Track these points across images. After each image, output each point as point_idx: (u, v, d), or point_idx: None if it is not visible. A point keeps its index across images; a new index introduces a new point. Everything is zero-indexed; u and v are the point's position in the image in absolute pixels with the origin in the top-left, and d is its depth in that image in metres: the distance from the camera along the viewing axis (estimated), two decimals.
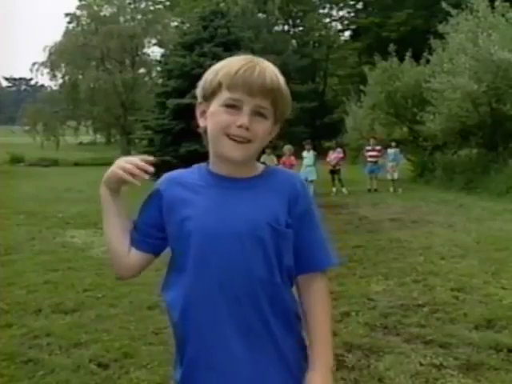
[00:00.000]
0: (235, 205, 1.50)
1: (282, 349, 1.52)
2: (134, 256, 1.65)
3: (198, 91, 1.57)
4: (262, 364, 1.50)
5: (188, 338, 1.52)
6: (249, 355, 1.48)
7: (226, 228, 1.48)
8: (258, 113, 1.48)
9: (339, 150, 17.38)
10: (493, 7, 15.67)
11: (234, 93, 1.46)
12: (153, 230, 1.63)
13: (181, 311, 1.53)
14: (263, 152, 16.30)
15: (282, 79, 1.55)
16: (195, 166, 1.68)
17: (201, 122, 1.57)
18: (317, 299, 1.58)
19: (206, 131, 1.55)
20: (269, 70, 1.50)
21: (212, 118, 1.50)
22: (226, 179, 1.55)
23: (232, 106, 1.47)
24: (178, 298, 1.53)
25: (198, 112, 1.58)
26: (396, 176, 16.54)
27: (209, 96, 1.52)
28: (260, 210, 1.50)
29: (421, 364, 3.79)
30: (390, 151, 16.94)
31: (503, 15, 15.44)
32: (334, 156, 16.80)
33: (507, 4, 15.54)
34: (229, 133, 1.47)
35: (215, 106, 1.50)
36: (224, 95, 1.48)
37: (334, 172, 16.57)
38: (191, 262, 1.49)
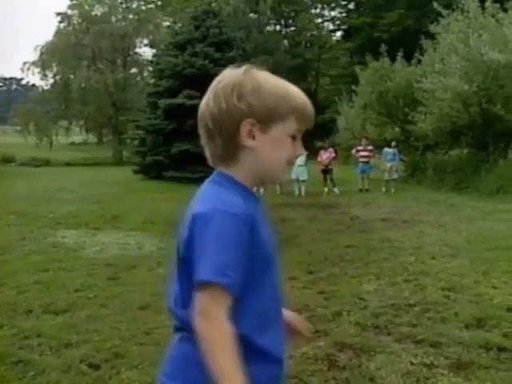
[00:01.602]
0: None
1: None
2: None
3: (249, 107, 1.46)
4: None
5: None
6: None
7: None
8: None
9: (331, 149, 17.41)
10: (483, 8, 15.77)
11: (302, 126, 1.53)
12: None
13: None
14: None
15: None
16: (229, 185, 1.49)
17: (248, 142, 1.47)
18: None
19: (249, 151, 1.48)
20: None
21: (276, 146, 1.49)
22: (258, 199, 1.57)
23: (293, 137, 1.52)
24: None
25: (244, 129, 1.46)
26: (395, 176, 16.58)
27: (268, 120, 1.48)
28: None
29: (412, 363, 3.80)
30: (389, 151, 16.96)
31: (493, 16, 15.54)
32: (326, 156, 16.81)
33: (497, 5, 15.62)
34: (290, 161, 1.53)
35: (280, 134, 1.49)
36: (292, 126, 1.50)
37: (326, 172, 16.60)
38: (270, 283, 1.51)
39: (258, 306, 1.46)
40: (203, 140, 1.53)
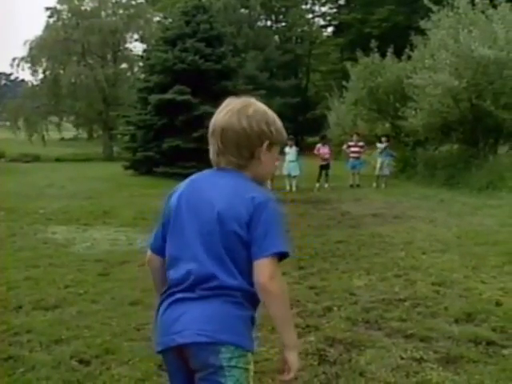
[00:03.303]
0: None
1: None
2: None
3: (267, 133, 2.04)
4: None
5: None
6: None
7: None
8: None
9: (328, 145, 17.46)
10: (473, 4, 15.79)
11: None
12: None
13: None
14: None
15: None
16: (249, 181, 2.07)
17: (263, 156, 2.05)
18: None
19: (260, 163, 2.05)
20: None
21: (271, 162, 2.11)
22: None
23: None
24: None
25: (263, 146, 2.04)
26: (386, 172, 16.61)
27: (272, 144, 2.06)
28: None
29: (401, 358, 3.82)
30: (381, 146, 16.99)
31: (483, 12, 15.57)
32: (325, 151, 16.82)
33: (487, 1, 15.65)
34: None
35: (275, 153, 2.11)
36: (278, 148, 2.13)
37: (324, 167, 16.58)
38: None
39: None
40: (222, 148, 2.01)
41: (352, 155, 17.09)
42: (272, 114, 2.08)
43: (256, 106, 2.05)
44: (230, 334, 1.88)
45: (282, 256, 1.93)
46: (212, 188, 1.99)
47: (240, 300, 1.92)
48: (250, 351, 1.95)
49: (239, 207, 1.91)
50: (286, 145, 16.26)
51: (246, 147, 2.00)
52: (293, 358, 1.97)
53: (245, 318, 1.94)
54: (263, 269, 1.87)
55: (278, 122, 2.09)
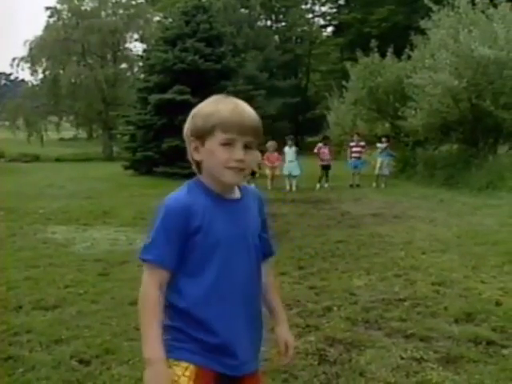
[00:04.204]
0: (240, 220, 1.92)
1: (262, 323, 2.02)
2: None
3: (189, 131, 1.90)
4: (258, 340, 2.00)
5: (212, 328, 1.85)
6: (251, 337, 1.94)
7: (239, 238, 1.90)
8: (247, 146, 1.85)
9: (329, 146, 17.46)
10: (473, 4, 15.80)
11: (229, 134, 1.81)
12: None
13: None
14: None
15: (257, 116, 1.92)
16: (193, 186, 1.92)
17: (195, 156, 1.89)
18: (273, 279, 2.15)
19: (199, 163, 1.90)
20: (252, 111, 1.88)
21: (211, 155, 1.85)
22: (227, 200, 1.92)
23: (227, 144, 1.82)
24: (199, 295, 1.85)
25: (190, 147, 1.91)
26: (386, 172, 16.61)
27: (201, 136, 1.85)
28: (253, 222, 1.97)
29: (401, 358, 3.82)
30: (381, 146, 16.99)
31: (483, 12, 15.57)
32: (325, 151, 16.81)
33: (487, 1, 15.66)
34: (229, 166, 1.83)
35: (212, 145, 1.83)
36: (220, 136, 1.82)
37: (326, 168, 16.58)
38: (216, 266, 1.85)
39: (206, 281, 1.84)
40: None
41: (353, 155, 17.08)
42: (200, 106, 1.90)
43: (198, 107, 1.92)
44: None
45: (149, 262, 1.83)
46: None
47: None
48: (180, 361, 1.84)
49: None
50: (286, 144, 16.30)
51: (189, 155, 1.92)
52: (145, 375, 1.77)
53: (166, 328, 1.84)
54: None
55: (205, 109, 1.87)
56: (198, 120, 1.86)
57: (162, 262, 1.81)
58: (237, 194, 1.96)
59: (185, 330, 1.84)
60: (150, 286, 1.81)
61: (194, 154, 1.89)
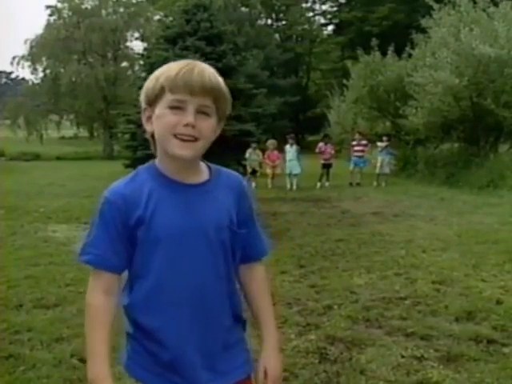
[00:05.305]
0: (198, 210, 1.58)
1: (234, 339, 1.69)
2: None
3: (142, 98, 1.61)
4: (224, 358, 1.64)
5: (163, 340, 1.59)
6: (212, 354, 1.62)
7: (194, 233, 1.57)
8: (201, 111, 1.54)
9: (330, 145, 17.47)
10: (474, 2, 15.80)
11: (177, 94, 1.52)
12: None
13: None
14: (249, 146, 16.36)
15: (220, 79, 1.62)
16: (141, 172, 1.66)
17: (148, 127, 1.61)
18: (263, 286, 1.77)
19: (153, 135, 1.60)
20: (207, 71, 1.57)
21: (158, 121, 1.55)
22: (183, 185, 1.60)
23: (177, 108, 1.52)
24: (142, 299, 1.60)
25: (143, 118, 1.62)
26: (386, 170, 16.61)
27: (152, 101, 1.57)
28: (219, 214, 1.61)
29: (402, 356, 3.82)
30: (382, 145, 16.99)
31: (484, 10, 15.57)
32: (327, 150, 16.82)
33: None
34: (176, 133, 1.52)
35: (160, 109, 1.55)
36: (168, 98, 1.53)
37: (327, 166, 16.58)
38: (158, 265, 1.56)
39: (148, 284, 1.57)
40: None
41: (356, 154, 17.07)
42: (157, 70, 1.62)
43: None
44: None
45: (88, 264, 1.62)
46: None
47: None
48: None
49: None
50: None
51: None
52: None
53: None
54: None
55: (157, 70, 1.61)
56: (149, 84, 1.59)
57: (102, 263, 1.58)
58: (201, 178, 1.64)
59: (140, 341, 1.63)
60: (94, 291, 1.59)
61: (146, 125, 1.61)
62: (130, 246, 1.57)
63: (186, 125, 1.51)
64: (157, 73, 1.59)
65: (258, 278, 1.75)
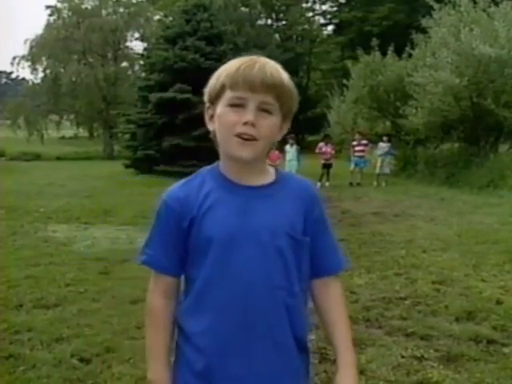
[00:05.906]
0: (252, 212, 1.49)
1: (294, 358, 1.56)
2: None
3: (205, 97, 1.56)
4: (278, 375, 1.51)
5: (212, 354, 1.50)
6: (259, 367, 1.49)
7: (245, 235, 1.47)
8: (263, 109, 1.46)
9: (330, 145, 17.47)
10: (475, 2, 15.80)
11: (237, 91, 1.45)
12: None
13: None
14: None
15: (284, 74, 1.54)
16: (203, 173, 1.59)
17: (210, 126, 1.55)
18: (338, 303, 1.66)
19: (215, 135, 1.54)
20: (269, 65, 1.48)
21: (219, 120, 1.49)
22: (241, 187, 1.52)
23: (237, 105, 1.46)
24: (188, 303, 1.55)
25: (206, 117, 1.56)
26: (387, 170, 16.62)
27: (214, 99, 1.52)
28: (276, 218, 1.50)
29: (402, 356, 3.82)
30: (383, 145, 17.00)
31: (485, 10, 15.57)
32: (328, 150, 16.82)
33: None
34: (236, 132, 1.45)
35: (221, 107, 1.49)
36: (228, 95, 1.47)
37: (327, 166, 16.59)
38: (208, 268, 1.49)
39: (195, 288, 1.51)
40: None
41: (356, 154, 17.07)
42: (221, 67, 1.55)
43: None
44: None
45: (143, 263, 1.61)
46: None
47: None
48: None
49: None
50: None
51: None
52: None
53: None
54: None
55: (220, 68, 1.56)
56: (211, 81, 1.54)
57: (155, 264, 1.57)
58: (264, 181, 1.55)
59: (181, 347, 1.55)
60: (153, 293, 1.58)
61: (209, 124, 1.55)
62: (184, 250, 1.53)
63: (246, 123, 1.44)
64: (219, 70, 1.54)
65: (333, 295, 1.65)
